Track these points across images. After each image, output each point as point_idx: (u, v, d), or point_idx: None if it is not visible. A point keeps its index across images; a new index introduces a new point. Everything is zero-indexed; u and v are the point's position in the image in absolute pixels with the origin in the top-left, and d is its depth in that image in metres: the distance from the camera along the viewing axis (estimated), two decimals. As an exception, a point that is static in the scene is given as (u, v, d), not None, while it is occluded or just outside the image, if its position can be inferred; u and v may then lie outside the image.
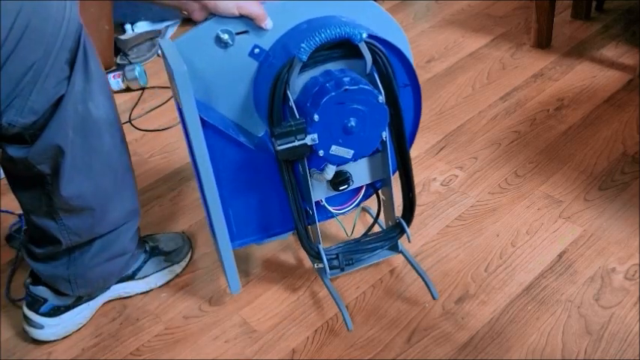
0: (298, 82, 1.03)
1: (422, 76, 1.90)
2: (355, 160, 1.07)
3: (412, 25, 2.23)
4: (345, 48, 1.02)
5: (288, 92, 1.01)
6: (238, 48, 1.05)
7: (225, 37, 1.03)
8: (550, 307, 1.19)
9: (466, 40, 2.11)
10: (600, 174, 1.49)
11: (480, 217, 1.41)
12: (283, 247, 1.38)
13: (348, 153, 1.05)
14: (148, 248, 1.32)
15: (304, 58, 0.97)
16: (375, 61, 1.03)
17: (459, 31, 2.17)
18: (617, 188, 1.44)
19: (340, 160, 1.06)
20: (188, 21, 2.43)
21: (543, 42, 2.00)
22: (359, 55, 1.02)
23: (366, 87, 1.00)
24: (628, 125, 1.63)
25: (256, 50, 1.06)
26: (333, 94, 0.98)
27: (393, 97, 1.06)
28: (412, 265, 1.27)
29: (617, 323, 1.15)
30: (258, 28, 1.03)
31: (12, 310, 1.31)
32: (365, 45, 1.00)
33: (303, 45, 0.97)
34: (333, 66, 1.04)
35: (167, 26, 2.38)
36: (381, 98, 1.01)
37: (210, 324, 1.24)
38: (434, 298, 1.21)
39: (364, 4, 1.09)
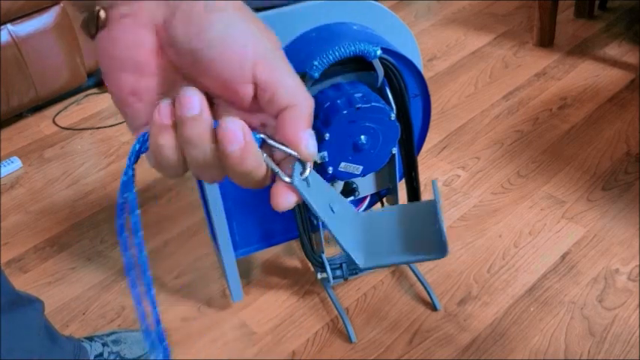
0: None
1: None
2: (364, 175, 1.05)
3: (413, 24, 2.22)
4: (356, 62, 0.98)
5: None
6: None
7: None
8: (553, 309, 1.18)
9: (468, 38, 2.10)
10: (603, 174, 1.47)
11: (482, 217, 1.40)
12: (283, 249, 1.37)
13: (357, 169, 1.03)
14: (105, 353, 1.13)
15: (316, 75, 0.94)
16: (387, 76, 1.00)
17: (461, 29, 2.16)
18: (621, 188, 1.43)
19: (349, 177, 1.04)
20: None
21: (546, 40, 1.99)
22: (370, 67, 0.99)
23: (379, 104, 0.97)
24: (631, 125, 1.62)
25: None
26: (344, 112, 0.95)
27: (405, 111, 1.04)
28: (415, 273, 1.25)
29: (620, 325, 1.14)
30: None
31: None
32: (378, 60, 0.97)
33: (315, 63, 0.93)
34: (342, 78, 1.01)
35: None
36: (393, 115, 0.99)
37: (209, 326, 1.23)
38: (436, 308, 1.20)
39: (372, 7, 1.07)
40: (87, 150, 1.79)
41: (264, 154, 0.37)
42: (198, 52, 0.34)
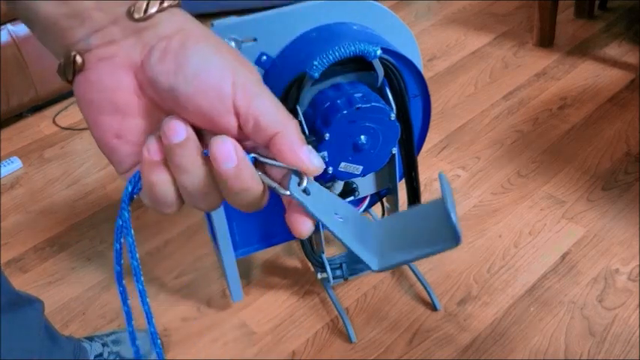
0: (307, 94, 1.00)
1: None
2: (364, 175, 1.05)
3: (413, 24, 2.21)
4: (356, 62, 0.98)
5: (297, 107, 0.98)
6: (244, 56, 1.02)
7: (232, 44, 1.00)
8: (553, 309, 1.18)
9: (468, 38, 2.10)
10: (603, 174, 1.47)
11: (482, 217, 1.40)
12: (283, 249, 1.37)
13: (357, 169, 1.03)
14: (104, 353, 1.13)
15: (316, 75, 0.94)
16: (387, 76, 1.00)
17: (461, 29, 2.16)
18: (621, 188, 1.43)
19: (349, 177, 1.04)
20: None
21: (546, 41, 1.98)
22: (370, 67, 0.98)
23: (379, 104, 0.97)
24: (631, 125, 1.62)
25: (263, 58, 1.03)
26: (345, 112, 0.95)
27: (405, 112, 1.03)
28: (415, 273, 1.25)
29: (620, 325, 1.13)
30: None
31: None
32: (378, 60, 0.97)
33: (315, 63, 0.93)
34: (342, 78, 1.01)
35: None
36: (393, 115, 0.99)
37: (209, 326, 1.23)
38: (436, 308, 1.20)
39: (372, 7, 1.06)
40: (87, 150, 1.79)
41: (259, 172, 0.36)
42: (178, 89, 0.34)
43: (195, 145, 0.35)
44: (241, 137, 0.36)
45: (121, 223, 0.38)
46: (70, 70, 0.36)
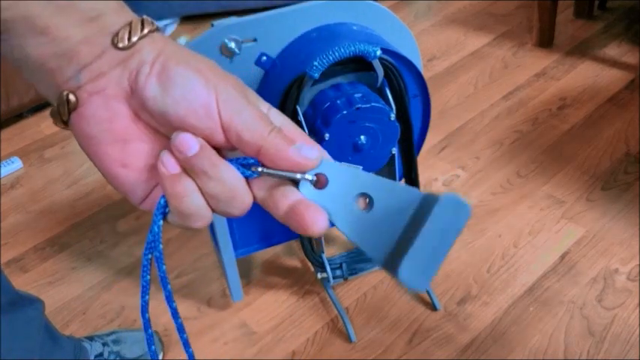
0: (307, 94, 1.00)
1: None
2: None
3: (413, 24, 2.21)
4: (356, 62, 0.98)
5: (297, 107, 0.99)
6: (244, 56, 1.03)
7: (232, 45, 1.00)
8: (552, 309, 1.18)
9: (468, 38, 2.10)
10: (603, 174, 1.47)
11: (482, 217, 1.40)
12: (283, 249, 1.37)
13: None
14: (105, 353, 1.14)
15: (316, 76, 0.94)
16: (387, 76, 1.00)
17: (461, 29, 2.16)
18: (620, 188, 1.43)
19: None
20: (187, 19, 2.42)
21: (545, 41, 1.99)
22: (370, 68, 0.99)
23: (378, 105, 0.97)
24: (631, 125, 1.62)
25: (263, 58, 1.04)
26: (344, 112, 0.95)
27: (404, 112, 1.04)
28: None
29: (619, 324, 1.14)
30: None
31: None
32: (378, 60, 0.98)
33: (315, 63, 0.93)
34: (342, 78, 1.01)
35: (165, 25, 2.37)
36: (393, 116, 0.99)
37: (209, 326, 1.23)
38: (435, 308, 1.20)
39: (372, 7, 1.07)
40: (87, 150, 1.79)
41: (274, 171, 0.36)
42: (168, 112, 0.35)
43: (212, 151, 0.36)
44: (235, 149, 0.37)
45: (151, 238, 0.39)
46: (65, 109, 0.36)
